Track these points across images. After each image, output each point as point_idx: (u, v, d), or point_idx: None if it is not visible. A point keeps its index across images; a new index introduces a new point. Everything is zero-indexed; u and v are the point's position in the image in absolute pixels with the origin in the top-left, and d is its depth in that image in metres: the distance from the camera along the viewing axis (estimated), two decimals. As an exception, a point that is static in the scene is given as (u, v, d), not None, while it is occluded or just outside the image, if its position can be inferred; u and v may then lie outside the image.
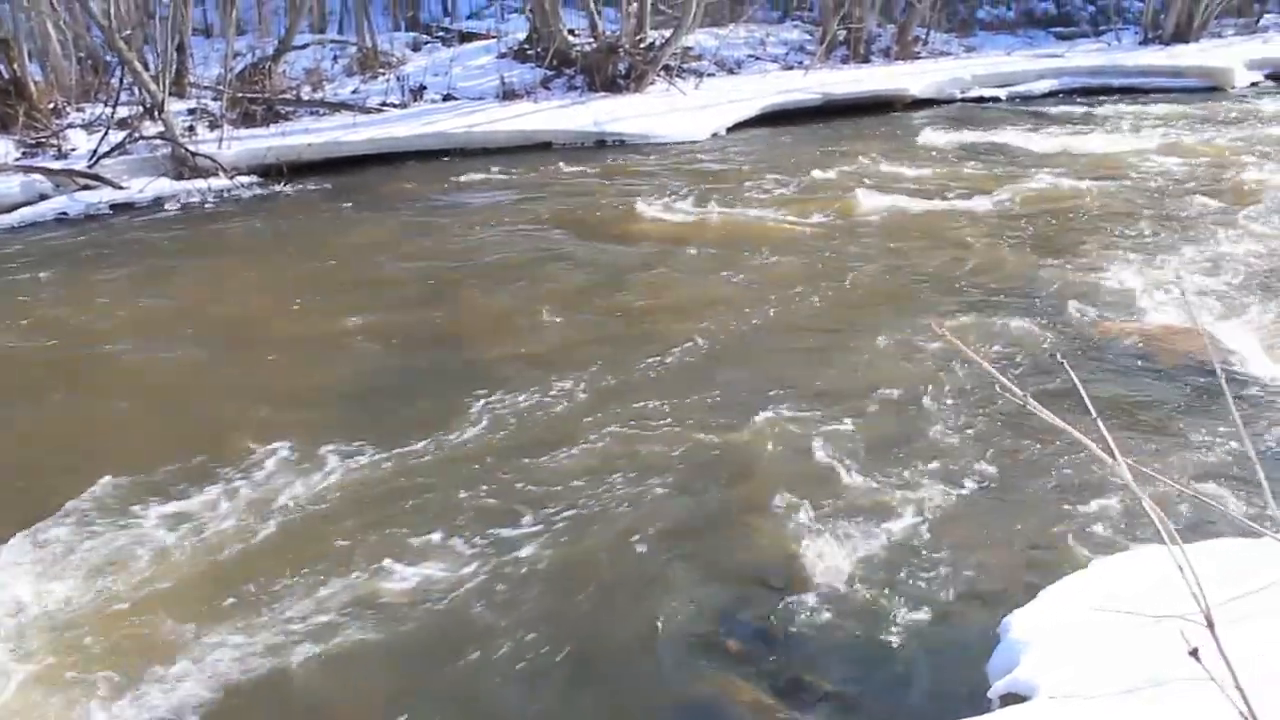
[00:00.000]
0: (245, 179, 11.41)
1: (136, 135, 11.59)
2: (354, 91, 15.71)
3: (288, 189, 11.33)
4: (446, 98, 15.61)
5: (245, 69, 15.13)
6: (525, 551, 4.41)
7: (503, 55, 17.25)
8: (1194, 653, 1.66)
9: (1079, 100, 16.77)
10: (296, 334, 7.06)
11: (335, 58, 17.34)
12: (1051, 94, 17.37)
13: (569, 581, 4.22)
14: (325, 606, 4.05)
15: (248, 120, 13.23)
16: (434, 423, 5.54)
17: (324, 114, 14.21)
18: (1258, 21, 23.34)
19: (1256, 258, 8.04)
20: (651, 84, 16.12)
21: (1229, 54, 18.97)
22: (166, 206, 10.67)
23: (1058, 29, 23.69)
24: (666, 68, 16.38)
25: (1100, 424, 1.94)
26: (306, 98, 14.90)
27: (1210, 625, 1.94)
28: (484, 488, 4.92)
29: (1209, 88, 17.45)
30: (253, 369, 6.50)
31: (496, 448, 5.31)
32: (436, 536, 4.51)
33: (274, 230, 9.83)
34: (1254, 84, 17.84)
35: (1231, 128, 13.85)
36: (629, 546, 4.43)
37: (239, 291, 8.04)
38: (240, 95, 13.60)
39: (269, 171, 11.64)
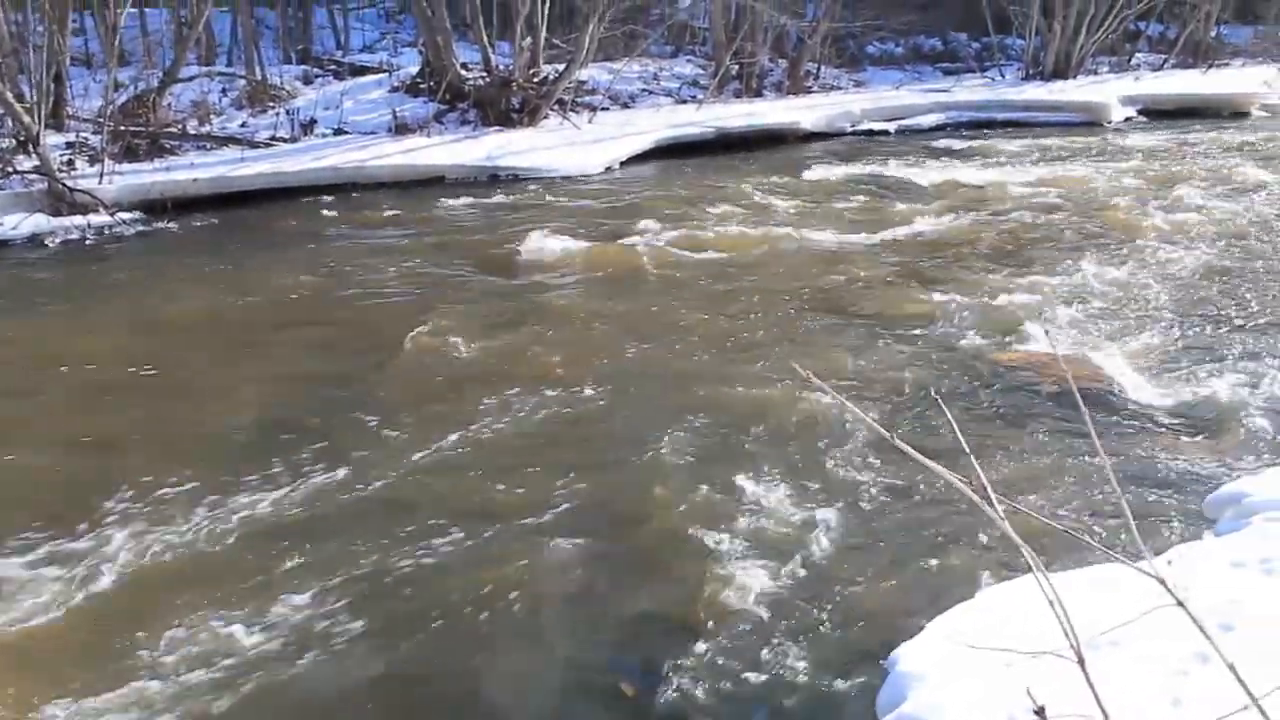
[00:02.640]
0: (128, 215, 11.07)
1: (9, 170, 11.20)
2: (243, 125, 15.41)
3: (173, 226, 11.04)
4: (338, 132, 15.41)
5: (128, 101, 14.72)
6: (411, 594, 4.35)
7: (395, 89, 17.09)
8: (1039, 712, 1.69)
9: (965, 134, 17.23)
10: (180, 376, 6.87)
11: (224, 90, 16.98)
12: (939, 128, 17.81)
13: (459, 624, 4.17)
14: (183, 660, 3.93)
15: (130, 154, 12.85)
16: (320, 465, 5.45)
17: (211, 148, 13.90)
18: (1130, 60, 24.31)
19: (1133, 286, 8.34)
20: (545, 118, 16.13)
21: (1105, 90, 19.73)
22: (45, 243, 10.30)
23: (944, 65, 24.35)
24: (560, 102, 16.41)
25: (974, 461, 1.98)
26: (193, 131, 14.56)
27: (1081, 662, 1.98)
28: (370, 530, 4.85)
29: (1087, 122, 18.11)
30: (133, 413, 6.31)
31: (386, 488, 5.24)
32: (321, 580, 4.42)
33: (158, 268, 9.56)
34: (1128, 119, 18.56)
35: (1108, 160, 14.38)
36: (521, 587, 4.39)
37: (120, 332, 7.81)
38: (123, 128, 13.21)
39: (153, 207, 11.33)
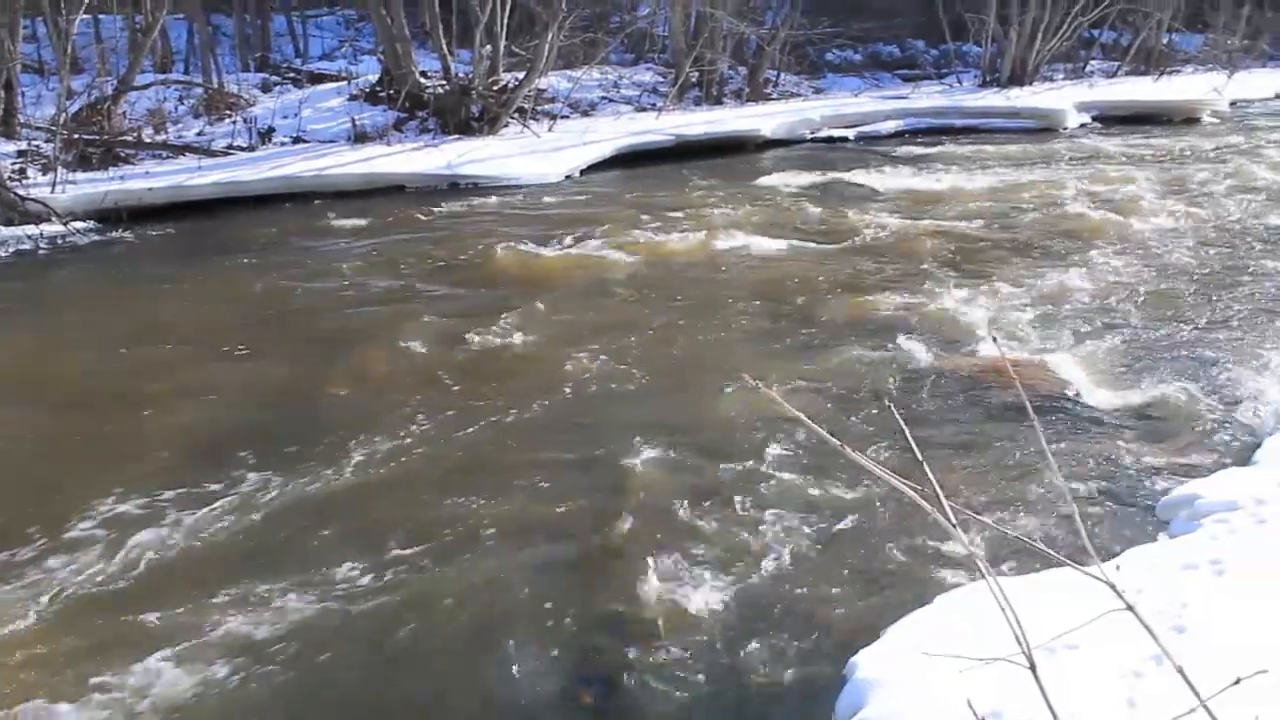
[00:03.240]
0: (82, 225, 10.96)
1: (-41, 179, 11.05)
2: (199, 134, 15.29)
3: (128, 235, 10.93)
4: (296, 140, 15.32)
5: (82, 109, 14.58)
6: (371, 604, 4.33)
7: (354, 97, 17.01)
8: None
9: (923, 140, 17.38)
10: (133, 387, 6.79)
11: (180, 98, 16.83)
12: (898, 134, 17.97)
13: (417, 634, 4.15)
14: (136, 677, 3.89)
15: (84, 163, 12.73)
16: (275, 477, 5.40)
17: (168, 156, 13.78)
18: (1084, 67, 24.65)
19: (1088, 291, 8.44)
20: (505, 126, 16.11)
21: (1060, 97, 20.02)
22: (-2, 253, 10.18)
23: (902, 71, 24.58)
24: (520, 110, 16.40)
25: (927, 468, 1.99)
26: (149, 139, 14.44)
27: (1033, 667, 2.00)
28: (325, 542, 4.82)
29: (1043, 128, 18.34)
30: (83, 425, 6.23)
31: (341, 499, 5.22)
32: (275, 596, 4.38)
33: (113, 279, 9.46)
34: (1083, 124, 18.80)
35: (1064, 166, 14.55)
36: (478, 598, 4.38)
37: (73, 343, 7.72)
38: (76, 136, 13.09)
39: (108, 217, 11.21)
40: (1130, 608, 1.89)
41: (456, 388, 6.63)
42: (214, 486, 5.31)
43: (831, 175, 13.93)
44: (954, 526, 1.97)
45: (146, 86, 16.32)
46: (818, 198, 12.54)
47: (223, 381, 6.83)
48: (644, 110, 18.74)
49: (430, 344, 7.42)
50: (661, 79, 20.68)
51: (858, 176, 13.79)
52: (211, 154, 14.00)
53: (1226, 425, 5.95)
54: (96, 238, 10.84)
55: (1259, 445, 5.35)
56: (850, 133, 17.79)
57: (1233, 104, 20.99)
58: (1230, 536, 3.99)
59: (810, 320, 7.92)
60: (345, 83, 17.96)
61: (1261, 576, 3.63)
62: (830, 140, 17.45)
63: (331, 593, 4.42)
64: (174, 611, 4.29)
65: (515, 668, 3.93)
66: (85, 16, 14.89)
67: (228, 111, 16.35)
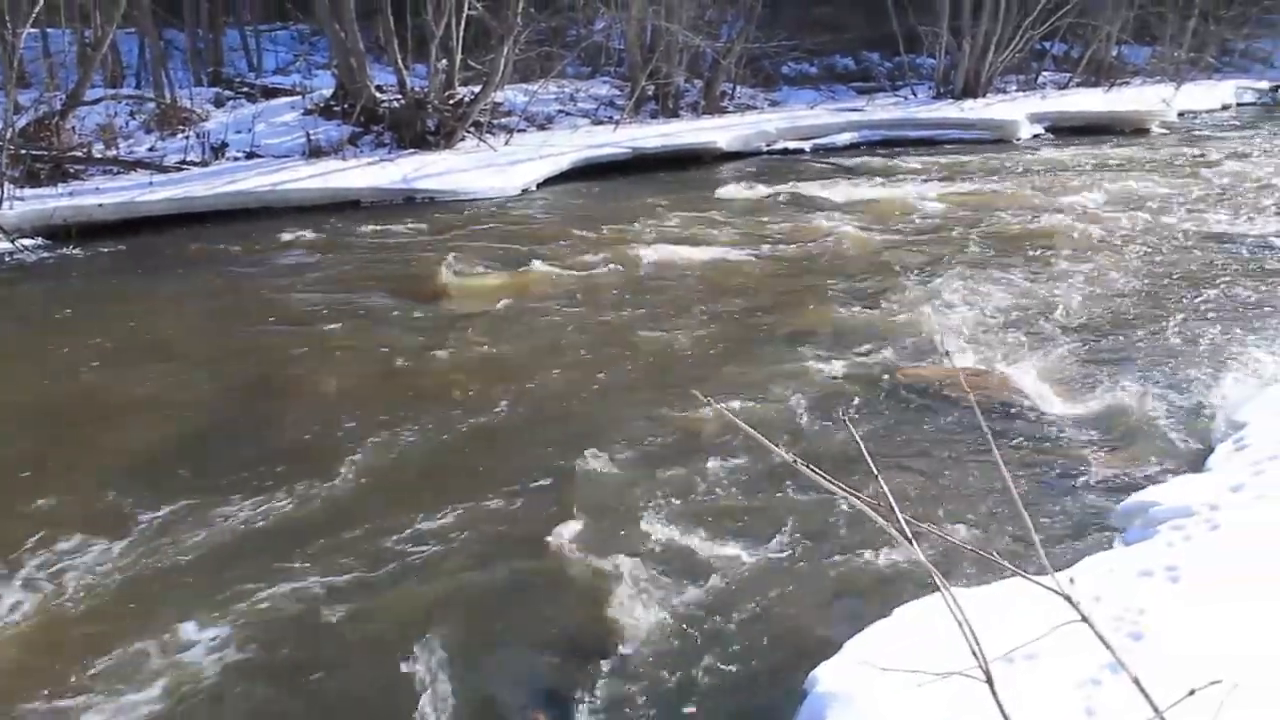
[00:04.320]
0: (29, 241, 10.79)
1: (-97, 195, 10.84)
2: (151, 149, 15.09)
3: (77, 252, 10.75)
4: (250, 155, 15.17)
5: (29, 124, 14.33)
6: (312, 627, 4.26)
7: (309, 112, 16.87)
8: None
9: (878, 152, 17.51)
10: (79, 406, 6.68)
11: (132, 113, 16.61)
12: (853, 146, 18.10)
13: (363, 655, 4.09)
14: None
15: (32, 179, 12.51)
16: (220, 496, 5.33)
17: (119, 172, 13.59)
18: (1036, 78, 24.96)
19: (1042, 299, 8.52)
20: (461, 140, 16.04)
21: (1013, 108, 20.26)
22: (-57, 271, 9.99)
23: (857, 84, 24.78)
24: (476, 123, 16.35)
25: (881, 481, 1.98)
26: (99, 155, 14.22)
27: (989, 681, 1.99)
28: (267, 562, 4.75)
29: (996, 139, 18.54)
30: (27, 443, 6.11)
31: (285, 518, 5.15)
32: (217, 615, 4.31)
33: (61, 296, 9.28)
34: (1036, 135, 19.07)
35: (1017, 176, 14.71)
36: (426, 617, 4.33)
37: (19, 361, 7.58)
38: (23, 151, 12.87)
39: (56, 233, 11.03)
40: (1085, 619, 1.89)
41: (405, 403, 6.57)
42: (154, 505, 5.21)
43: (787, 187, 13.99)
44: (909, 541, 1.96)
45: (96, 101, 16.10)
46: (774, 210, 12.59)
47: (170, 400, 6.72)
48: (601, 123, 18.76)
49: (382, 360, 7.35)
50: (618, 92, 20.71)
51: (813, 188, 13.85)
52: (163, 169, 13.83)
53: (1179, 432, 6.00)
54: (44, 255, 10.67)
55: (1211, 451, 5.40)
56: (806, 145, 17.90)
57: (1181, 115, 21.38)
58: (1185, 543, 4.02)
59: (765, 332, 7.93)
60: (299, 97, 17.82)
61: (1216, 582, 3.66)
62: (786, 152, 17.55)
63: (269, 613, 4.35)
64: (104, 637, 4.20)
65: (463, 687, 3.88)
66: (33, 30, 14.70)
67: (180, 126, 16.16)
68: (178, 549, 4.86)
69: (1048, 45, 25.58)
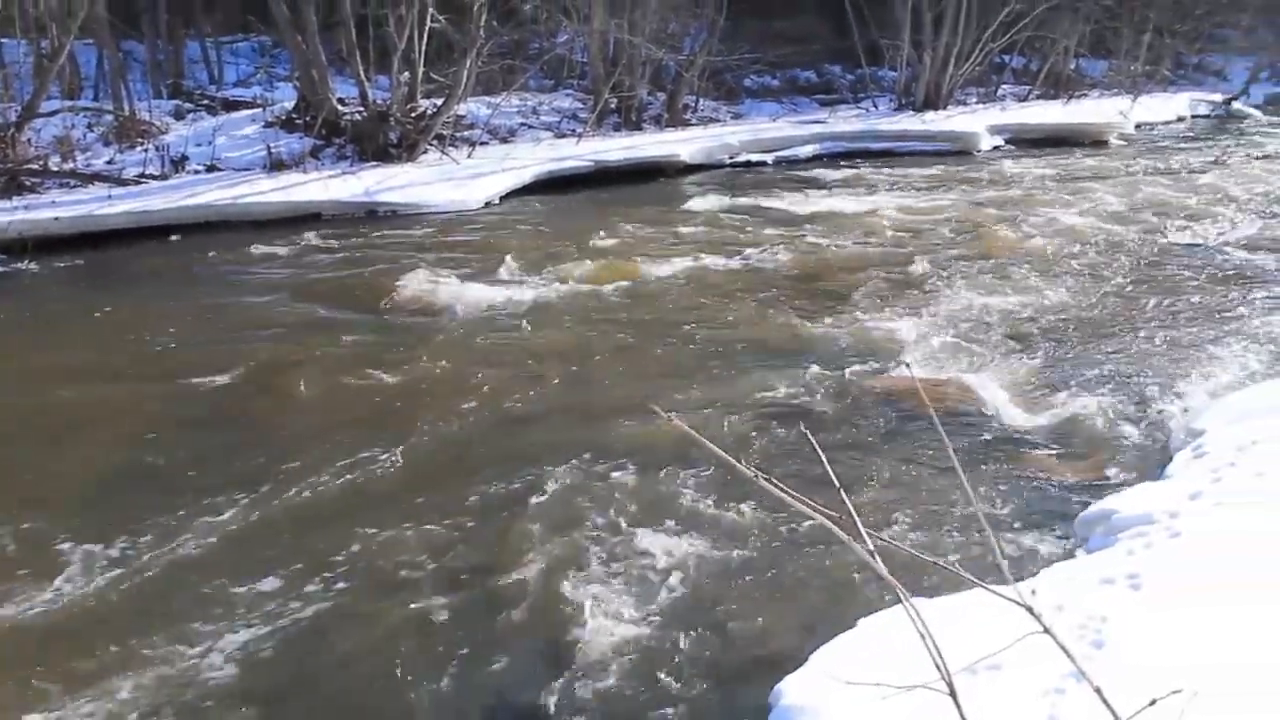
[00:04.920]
0: (-17, 255, 10.63)
1: None
2: (110, 162, 14.91)
3: (34, 266, 10.58)
4: (211, 168, 15.02)
5: (-16, 137, 14.17)
6: (272, 650, 4.21)
7: (270, 124, 16.74)
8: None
9: (841, 164, 17.58)
10: (36, 423, 6.57)
11: (90, 125, 16.42)
12: (815, 158, 18.16)
13: (326, 677, 4.04)
14: None
15: (-13, 192, 12.36)
16: (180, 514, 5.26)
17: (77, 185, 13.41)
18: (996, 91, 25.23)
19: (1002, 310, 8.59)
20: (424, 153, 15.98)
21: (974, 120, 20.42)
22: (-106, 286, 9.81)
23: (819, 96, 24.89)
24: (439, 136, 16.29)
25: (844, 494, 1.98)
26: (56, 168, 14.03)
27: (952, 693, 1.99)
28: (225, 584, 4.69)
29: (957, 151, 18.70)
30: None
31: (246, 536, 5.09)
32: (181, 638, 4.25)
33: (15, 312, 9.14)
34: (996, 147, 19.25)
35: (978, 187, 14.84)
36: (388, 637, 4.29)
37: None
38: (-22, 165, 12.73)
39: (11, 248, 10.84)
40: (1048, 630, 1.89)
41: (363, 419, 6.52)
42: (101, 527, 5.13)
43: (749, 199, 14.03)
44: (871, 555, 1.96)
45: (53, 113, 15.90)
46: (736, 222, 12.62)
47: (126, 416, 6.63)
48: (564, 136, 18.74)
49: (340, 375, 7.29)
50: (581, 105, 20.70)
51: (775, 200, 13.90)
52: (122, 182, 13.66)
53: (1139, 440, 6.06)
54: (-1, 269, 10.53)
55: (1170, 459, 5.45)
56: (769, 157, 17.95)
57: (1138, 127, 21.68)
58: (1146, 551, 4.05)
59: (727, 345, 7.94)
60: (261, 109, 17.68)
61: (1177, 590, 3.68)
62: (749, 165, 17.59)
63: (229, 633, 4.29)
64: (58, 657, 4.13)
65: (422, 706, 3.84)
66: (-13, 42, 14.52)
67: (139, 139, 15.98)
68: (135, 568, 4.79)
69: (1007, 58, 25.88)
